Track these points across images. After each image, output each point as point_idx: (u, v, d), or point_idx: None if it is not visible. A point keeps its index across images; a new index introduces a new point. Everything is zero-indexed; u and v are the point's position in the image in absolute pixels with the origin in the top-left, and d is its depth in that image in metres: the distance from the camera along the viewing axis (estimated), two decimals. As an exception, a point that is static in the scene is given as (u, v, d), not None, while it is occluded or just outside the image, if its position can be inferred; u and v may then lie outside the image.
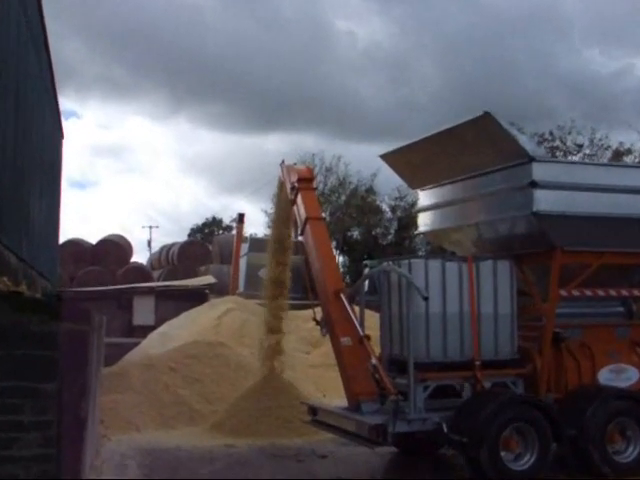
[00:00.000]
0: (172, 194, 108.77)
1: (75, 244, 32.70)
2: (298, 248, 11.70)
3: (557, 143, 42.04)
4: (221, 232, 67.07)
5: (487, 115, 8.85)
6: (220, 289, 25.35)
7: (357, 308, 9.63)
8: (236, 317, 17.27)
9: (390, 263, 9.41)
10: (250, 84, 75.95)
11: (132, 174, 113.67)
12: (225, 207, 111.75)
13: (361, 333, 8.82)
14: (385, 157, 10.92)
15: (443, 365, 8.81)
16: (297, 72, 75.06)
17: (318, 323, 9.85)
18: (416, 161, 10.59)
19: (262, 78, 73.89)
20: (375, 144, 71.13)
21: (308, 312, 13.33)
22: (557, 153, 40.65)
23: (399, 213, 50.72)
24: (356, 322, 8.99)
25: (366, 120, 70.30)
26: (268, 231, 47.45)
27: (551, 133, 41.84)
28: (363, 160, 70.01)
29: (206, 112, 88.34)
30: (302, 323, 17.14)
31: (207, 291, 24.13)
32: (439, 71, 73.37)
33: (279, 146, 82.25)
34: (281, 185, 11.75)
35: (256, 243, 26.56)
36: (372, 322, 10.25)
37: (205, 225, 71.69)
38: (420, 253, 46.52)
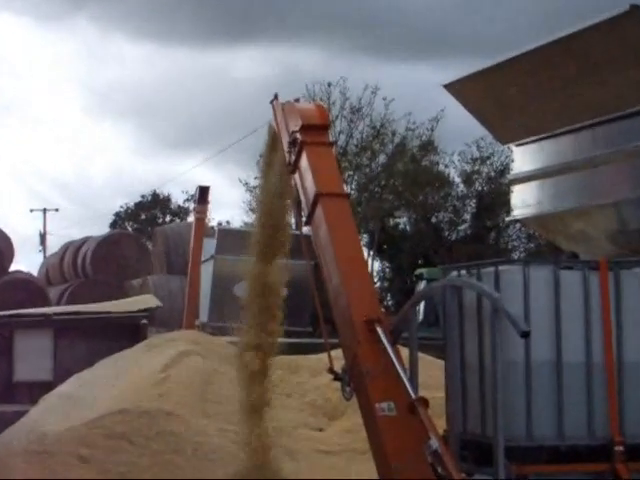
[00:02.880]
0: (78, 154, 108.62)
1: None
2: (302, 246, 11.73)
3: None
4: (168, 219, 67.27)
5: (636, 11, 8.84)
6: (167, 318, 25.40)
7: (405, 351, 9.65)
8: (195, 367, 17.27)
9: (463, 272, 9.46)
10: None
11: (3, 118, 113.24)
12: (172, 176, 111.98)
13: (413, 395, 8.76)
14: (454, 88, 11.06)
15: (557, 452, 8.83)
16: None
17: (337, 377, 9.92)
18: (507, 95, 10.69)
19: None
20: (432, 66, 71.05)
21: (320, 358, 13.28)
22: None
23: (479, 186, 50.73)
24: (404, 376, 8.95)
25: (414, 26, 70.23)
26: (250, 218, 47.46)
27: None
28: (413, 94, 69.92)
29: (128, 9, 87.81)
30: (310, 377, 17.13)
31: (145, 322, 24.18)
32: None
33: (261, 69, 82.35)
34: (273, 137, 11.86)
35: (229, 239, 26.63)
36: (432, 375, 10.18)
37: (140, 207, 71.92)
38: (516, 255, 46.46)
